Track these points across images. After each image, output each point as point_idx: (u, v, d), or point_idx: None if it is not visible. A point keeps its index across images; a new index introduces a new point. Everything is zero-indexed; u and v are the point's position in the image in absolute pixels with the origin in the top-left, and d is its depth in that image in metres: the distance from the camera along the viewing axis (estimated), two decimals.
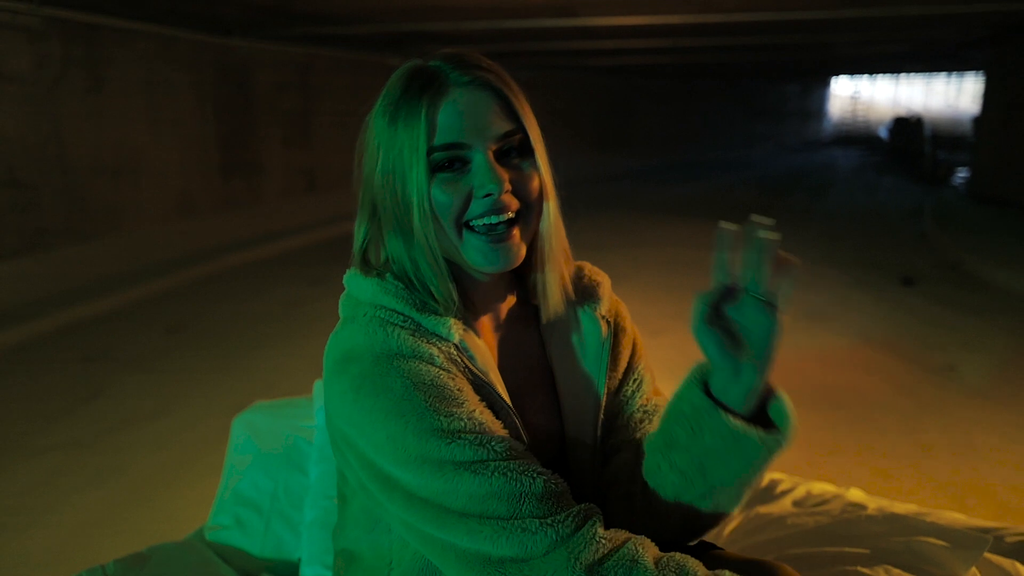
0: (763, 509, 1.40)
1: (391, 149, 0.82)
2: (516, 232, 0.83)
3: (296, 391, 1.99)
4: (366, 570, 0.89)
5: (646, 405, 0.99)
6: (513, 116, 0.83)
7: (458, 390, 0.79)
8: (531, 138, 0.84)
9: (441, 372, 0.80)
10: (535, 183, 0.85)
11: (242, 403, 3.29)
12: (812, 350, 4.15)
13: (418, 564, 0.84)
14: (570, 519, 0.75)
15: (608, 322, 0.98)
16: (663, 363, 3.75)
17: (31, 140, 5.33)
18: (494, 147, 0.82)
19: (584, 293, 0.97)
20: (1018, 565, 1.05)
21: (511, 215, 0.82)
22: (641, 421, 0.98)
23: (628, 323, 1.02)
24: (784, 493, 1.50)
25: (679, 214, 9.37)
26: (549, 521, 0.74)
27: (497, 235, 0.82)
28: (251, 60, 7.69)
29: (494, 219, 0.82)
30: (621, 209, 9.58)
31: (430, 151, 0.80)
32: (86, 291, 5.18)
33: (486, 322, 0.93)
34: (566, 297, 0.94)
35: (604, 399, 0.96)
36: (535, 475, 0.76)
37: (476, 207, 0.81)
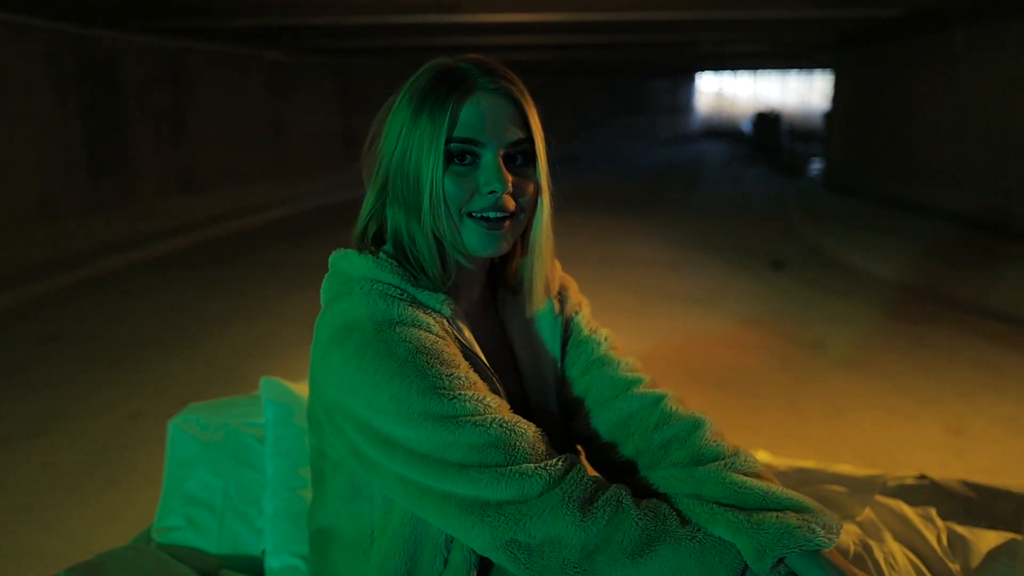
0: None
1: (412, 134, 0.89)
2: (508, 225, 0.92)
3: (193, 396, 1.95)
4: (347, 545, 0.93)
5: (607, 335, 1.09)
6: (525, 126, 0.93)
7: (453, 354, 0.87)
8: (536, 148, 0.94)
9: (438, 339, 0.87)
10: (531, 189, 0.94)
11: (132, 411, 3.17)
12: (695, 332, 4.43)
13: (404, 531, 0.89)
14: (560, 463, 0.83)
15: (559, 300, 1.08)
16: None
17: None
18: (503, 151, 0.91)
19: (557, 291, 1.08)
20: (901, 504, 1.22)
21: (506, 213, 0.91)
22: (607, 340, 1.08)
23: (573, 291, 1.12)
24: None
25: (564, 207, 9.61)
26: (543, 465, 0.82)
27: (494, 224, 0.91)
28: (118, 53, 7.22)
29: (492, 214, 0.90)
30: None
31: (448, 141, 0.88)
32: None
33: (464, 303, 1.00)
34: (547, 297, 1.04)
35: (562, 369, 1.05)
36: (525, 426, 0.85)
37: (479, 201, 0.90)
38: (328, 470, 0.95)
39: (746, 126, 22.47)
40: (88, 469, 2.72)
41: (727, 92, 27.71)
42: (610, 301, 5.00)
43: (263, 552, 1.15)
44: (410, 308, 0.87)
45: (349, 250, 0.95)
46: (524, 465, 0.81)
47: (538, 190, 0.95)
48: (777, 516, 0.80)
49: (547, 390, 1.04)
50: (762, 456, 1.59)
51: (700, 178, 13.87)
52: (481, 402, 0.84)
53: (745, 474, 0.87)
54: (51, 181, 6.50)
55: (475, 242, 0.91)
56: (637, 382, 1.03)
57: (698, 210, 9.74)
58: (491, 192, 0.89)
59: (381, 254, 0.93)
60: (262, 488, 1.19)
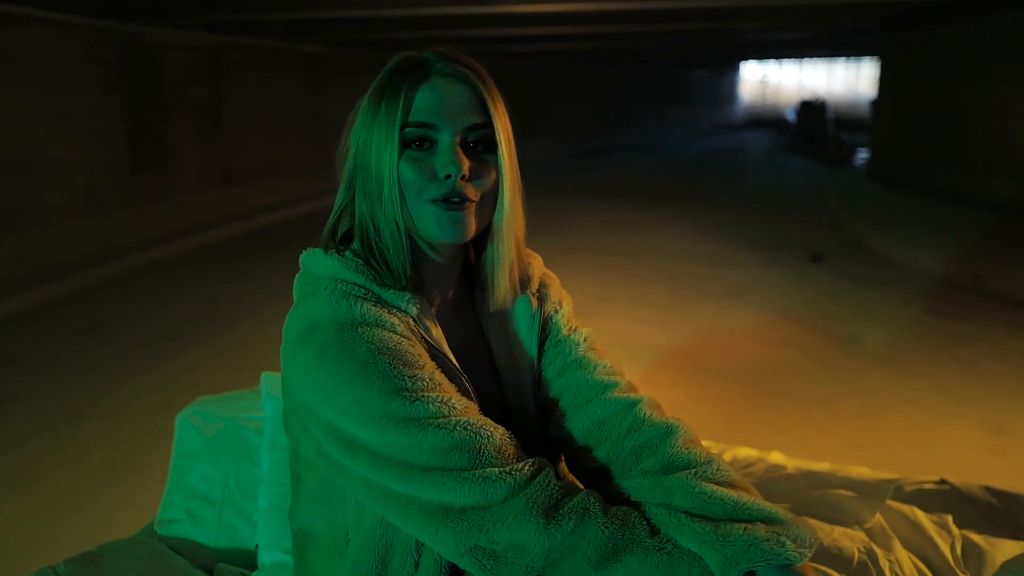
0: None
1: (372, 123, 0.89)
2: (471, 207, 0.90)
3: (224, 387, 1.98)
4: (324, 547, 0.93)
5: (587, 335, 1.06)
6: (484, 112, 0.90)
7: (418, 355, 0.85)
8: (498, 134, 0.91)
9: (402, 339, 0.85)
10: (492, 176, 0.92)
11: (166, 402, 3.23)
12: (729, 326, 4.35)
13: (375, 533, 0.88)
14: (526, 468, 0.81)
15: (539, 298, 1.06)
16: None
17: None
18: (460, 136, 0.89)
19: (520, 277, 1.04)
20: (915, 510, 1.18)
21: (465, 198, 0.89)
22: (585, 340, 1.04)
23: (554, 288, 1.09)
24: None
25: (599, 199, 9.56)
26: (508, 470, 0.80)
27: (452, 207, 0.89)
28: (159, 49, 7.37)
29: (448, 198, 0.89)
30: (542, 195, 9.69)
31: (403, 126, 0.87)
32: None
33: (435, 299, 0.99)
34: (513, 290, 1.01)
35: (537, 372, 1.03)
36: (492, 429, 0.83)
37: (436, 188, 0.88)
38: (303, 471, 0.94)
39: (790, 115, 22.00)
40: (118, 458, 2.79)
41: (771, 80, 27.17)
42: (640, 294, 4.95)
43: (257, 547, 1.16)
44: (374, 308, 0.86)
45: (317, 249, 0.94)
46: (488, 469, 0.79)
47: (500, 177, 0.92)
48: (745, 528, 0.76)
49: (525, 391, 1.02)
50: (775, 458, 1.55)
51: (740, 169, 13.63)
52: (445, 404, 0.82)
53: (717, 483, 0.84)
54: (95, 175, 6.67)
55: (434, 228, 0.89)
56: (612, 386, 0.99)
57: (736, 201, 9.57)
58: (447, 176, 0.87)
59: (347, 253, 0.92)
60: (260, 483, 1.20)
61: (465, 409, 0.84)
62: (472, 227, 0.91)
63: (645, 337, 4.07)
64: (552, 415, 1.03)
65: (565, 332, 1.05)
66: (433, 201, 0.89)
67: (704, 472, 0.85)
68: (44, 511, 2.43)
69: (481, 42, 11.10)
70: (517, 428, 0.99)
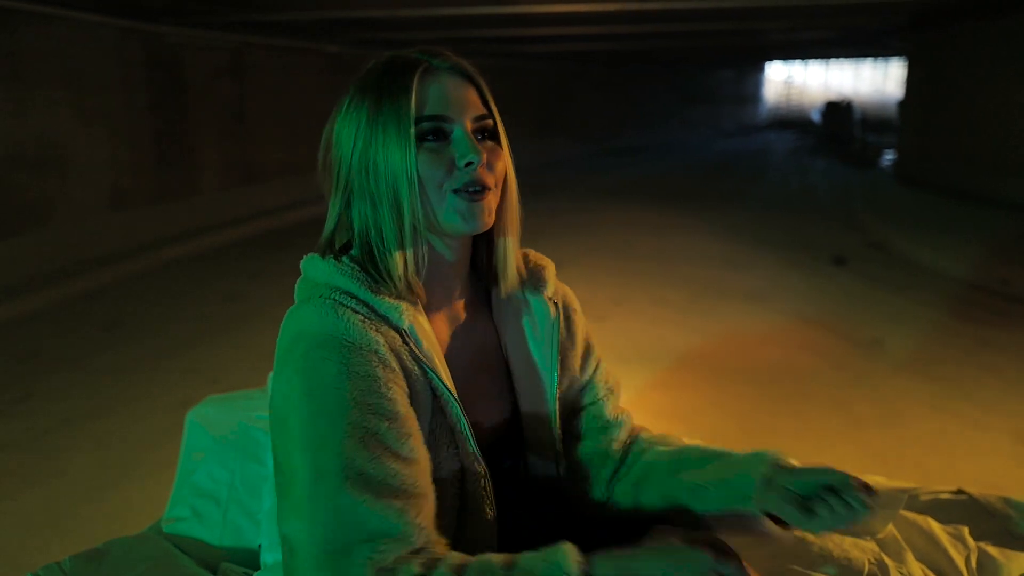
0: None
1: (375, 124, 0.88)
2: (489, 196, 0.91)
3: (241, 385, 1.99)
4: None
5: (608, 382, 1.09)
6: (485, 103, 0.93)
7: (388, 389, 0.83)
8: (497, 124, 0.94)
9: (379, 366, 0.84)
10: (502, 163, 0.93)
11: (185, 399, 3.26)
12: (745, 329, 4.30)
13: None
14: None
15: (555, 304, 1.04)
16: (609, 348, 3.85)
17: None
18: (471, 125, 0.90)
19: (532, 276, 1.04)
20: (930, 521, 1.15)
21: (485, 186, 0.90)
22: (606, 397, 1.07)
23: (577, 305, 1.10)
24: None
25: (620, 200, 9.52)
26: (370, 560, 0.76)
27: (475, 196, 0.89)
28: (182, 48, 7.46)
29: (470, 188, 0.89)
30: (563, 195, 9.67)
31: (418, 121, 0.87)
32: (12, 289, 4.99)
33: (440, 304, 0.97)
34: (519, 277, 1.01)
35: (558, 376, 1.02)
36: (401, 518, 0.78)
37: (458, 176, 0.89)
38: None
39: (815, 116, 21.75)
40: (138, 453, 2.82)
41: (796, 81, 26.88)
42: (659, 296, 4.91)
43: (260, 546, 1.16)
44: (361, 324, 0.85)
45: (316, 255, 0.94)
46: (356, 550, 0.75)
47: (505, 166, 0.94)
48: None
49: (540, 397, 1.01)
50: None
51: (763, 170, 13.51)
52: (382, 464, 0.80)
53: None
54: (121, 174, 6.76)
55: (456, 218, 0.89)
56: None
57: (759, 203, 9.48)
58: (468, 164, 0.88)
59: (344, 259, 0.91)
60: (265, 482, 1.20)
61: (394, 483, 0.80)
62: (491, 217, 0.92)
63: (662, 339, 4.04)
64: (590, 412, 1.07)
65: (591, 341, 1.10)
66: (456, 192, 0.89)
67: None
68: (62, 504, 2.47)
69: (501, 42, 11.10)
70: (528, 427, 1.00)
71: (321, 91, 9.70)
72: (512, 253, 0.99)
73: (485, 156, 0.89)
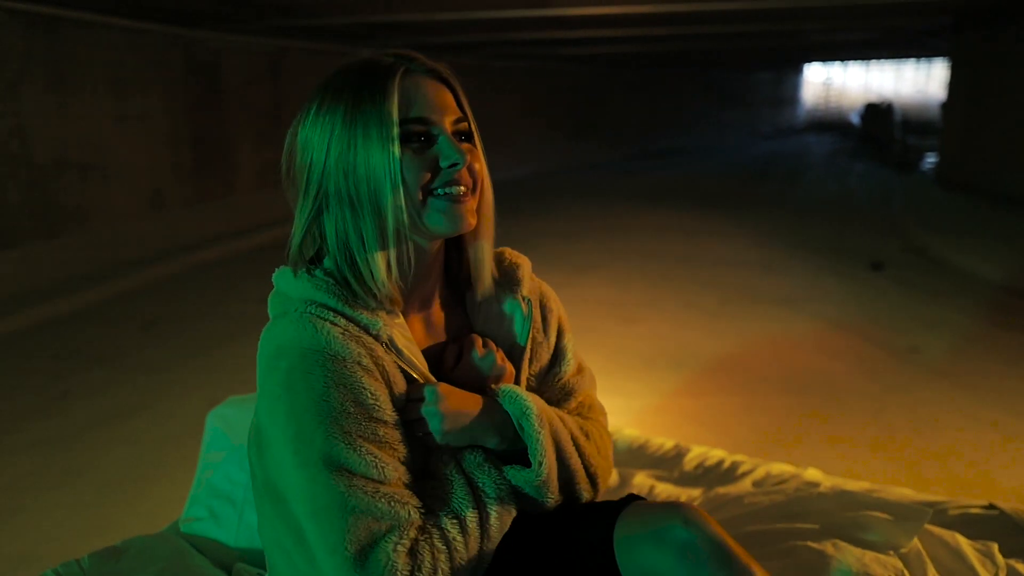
0: (723, 489, 1.45)
1: (353, 127, 0.87)
2: (470, 199, 0.92)
3: None
4: (289, 571, 0.93)
5: (566, 384, 1.08)
6: (460, 106, 0.94)
7: (375, 397, 0.85)
8: (472, 127, 0.94)
9: (364, 375, 0.85)
10: (479, 165, 0.94)
11: (217, 398, 3.30)
12: (782, 335, 4.23)
13: None
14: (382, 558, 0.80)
15: (528, 302, 1.04)
16: (637, 351, 3.84)
17: None
18: (451, 128, 0.91)
19: (505, 276, 1.04)
20: (958, 536, 1.11)
21: (467, 188, 0.91)
22: (559, 401, 1.06)
23: (554, 303, 1.10)
24: (745, 474, 1.56)
25: (652, 202, 9.44)
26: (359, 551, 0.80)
27: (457, 197, 0.90)
28: (220, 53, 7.60)
29: (453, 189, 0.90)
30: (596, 198, 9.62)
31: (402, 123, 0.87)
32: (55, 289, 5.12)
33: (417, 306, 0.98)
34: (493, 277, 1.02)
35: (526, 372, 1.03)
36: (399, 507, 0.83)
37: (442, 176, 0.89)
38: (262, 494, 0.95)
39: (854, 118, 21.34)
40: (170, 450, 2.87)
41: (835, 83, 26.41)
42: (689, 300, 4.86)
43: None
44: (341, 336, 0.86)
45: (287, 268, 0.94)
46: (350, 545, 0.79)
47: (482, 167, 0.95)
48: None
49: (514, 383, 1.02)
50: (811, 475, 1.49)
51: (800, 173, 13.29)
52: (376, 465, 0.83)
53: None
54: (160, 178, 6.91)
55: (439, 220, 0.89)
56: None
57: (794, 207, 9.32)
58: (452, 165, 0.88)
59: (317, 272, 0.91)
60: None
61: (392, 478, 0.84)
62: (473, 219, 0.92)
63: (692, 344, 3.99)
64: None
65: (562, 340, 1.09)
66: (438, 194, 0.89)
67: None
68: (95, 500, 2.52)
69: (535, 45, 11.10)
70: None
71: None
72: (487, 256, 0.99)
73: (468, 158, 0.90)
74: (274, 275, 0.96)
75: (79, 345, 4.24)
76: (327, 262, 0.93)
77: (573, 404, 1.06)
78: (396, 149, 0.86)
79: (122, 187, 6.47)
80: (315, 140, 0.90)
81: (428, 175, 0.89)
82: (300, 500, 0.81)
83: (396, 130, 0.87)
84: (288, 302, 0.91)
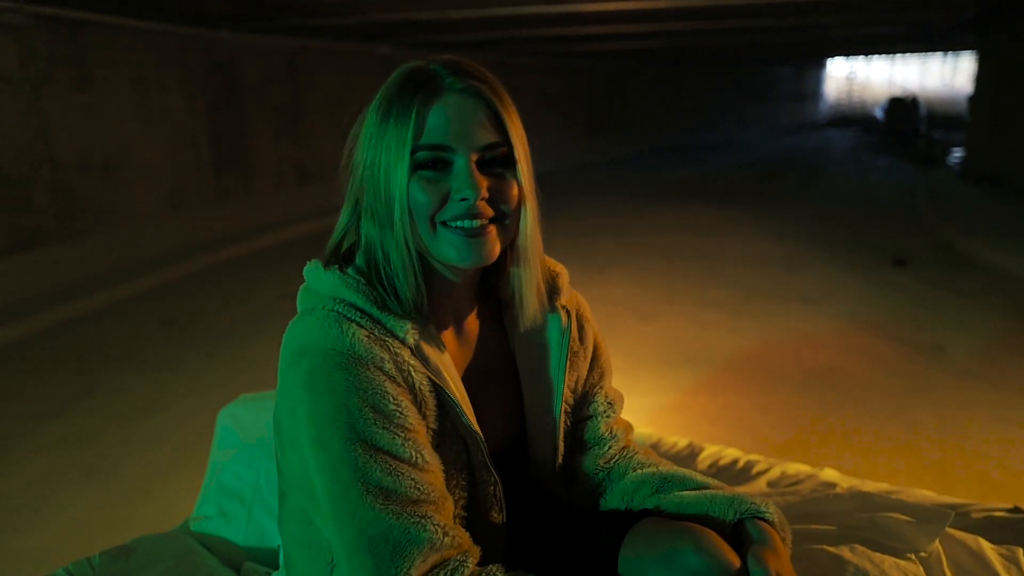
0: (737, 490, 1.42)
1: (380, 143, 0.85)
2: (493, 230, 0.86)
3: None
4: (308, 570, 0.91)
5: (609, 396, 1.06)
6: (500, 128, 0.86)
7: (397, 403, 0.82)
8: (515, 151, 0.87)
9: (386, 381, 0.82)
10: (514, 192, 0.87)
11: (234, 395, 3.34)
12: (803, 332, 4.17)
13: None
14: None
15: (568, 311, 1.01)
16: (654, 348, 3.81)
17: (18, 138, 5.32)
18: (477, 155, 0.85)
19: (544, 285, 1.00)
20: (981, 540, 1.08)
21: (484, 221, 0.86)
22: (605, 412, 1.04)
23: (590, 315, 1.07)
24: (760, 474, 1.53)
25: (671, 199, 9.38)
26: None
27: (472, 233, 0.85)
28: (239, 53, 7.65)
29: (467, 223, 0.85)
30: (614, 194, 9.57)
31: (415, 149, 0.83)
32: (78, 288, 5.19)
33: (448, 319, 0.95)
34: (542, 307, 0.97)
35: (564, 388, 0.99)
36: (425, 522, 0.80)
37: (452, 208, 0.85)
38: (286, 490, 0.94)
39: (878, 113, 21.04)
40: (190, 448, 2.89)
41: (859, 77, 26.06)
42: (708, 298, 4.81)
43: (279, 546, 1.17)
44: (366, 339, 0.83)
45: (319, 264, 0.92)
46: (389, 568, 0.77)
47: (522, 194, 0.88)
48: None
49: (546, 407, 0.99)
50: (828, 475, 1.46)
51: (822, 168, 13.13)
52: (396, 476, 0.80)
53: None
54: (180, 176, 6.98)
55: (451, 252, 0.85)
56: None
57: (816, 202, 9.21)
58: (463, 199, 0.84)
59: (349, 270, 0.89)
60: None
61: (422, 480, 0.82)
62: (495, 249, 0.87)
63: (710, 341, 3.95)
64: (589, 424, 1.05)
65: (599, 353, 1.07)
66: (449, 225, 0.85)
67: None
68: (116, 497, 2.55)
69: (552, 41, 11.05)
70: (532, 438, 0.97)
71: (374, 92, 9.83)
72: (527, 286, 0.93)
73: (487, 189, 0.84)
74: (305, 268, 0.93)
75: (102, 343, 4.29)
76: (359, 259, 0.90)
77: (615, 450, 1.05)
78: (406, 175, 0.83)
79: (143, 186, 6.53)
80: (362, 144, 0.89)
81: (436, 205, 0.84)
82: (320, 502, 0.81)
83: (408, 157, 0.83)
84: (317, 298, 0.88)
